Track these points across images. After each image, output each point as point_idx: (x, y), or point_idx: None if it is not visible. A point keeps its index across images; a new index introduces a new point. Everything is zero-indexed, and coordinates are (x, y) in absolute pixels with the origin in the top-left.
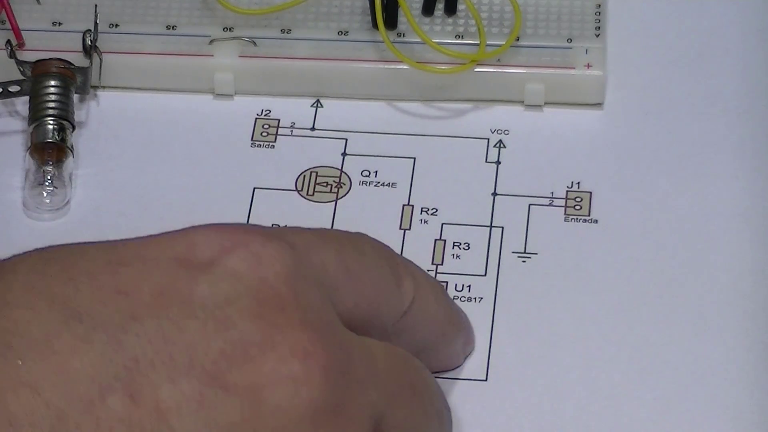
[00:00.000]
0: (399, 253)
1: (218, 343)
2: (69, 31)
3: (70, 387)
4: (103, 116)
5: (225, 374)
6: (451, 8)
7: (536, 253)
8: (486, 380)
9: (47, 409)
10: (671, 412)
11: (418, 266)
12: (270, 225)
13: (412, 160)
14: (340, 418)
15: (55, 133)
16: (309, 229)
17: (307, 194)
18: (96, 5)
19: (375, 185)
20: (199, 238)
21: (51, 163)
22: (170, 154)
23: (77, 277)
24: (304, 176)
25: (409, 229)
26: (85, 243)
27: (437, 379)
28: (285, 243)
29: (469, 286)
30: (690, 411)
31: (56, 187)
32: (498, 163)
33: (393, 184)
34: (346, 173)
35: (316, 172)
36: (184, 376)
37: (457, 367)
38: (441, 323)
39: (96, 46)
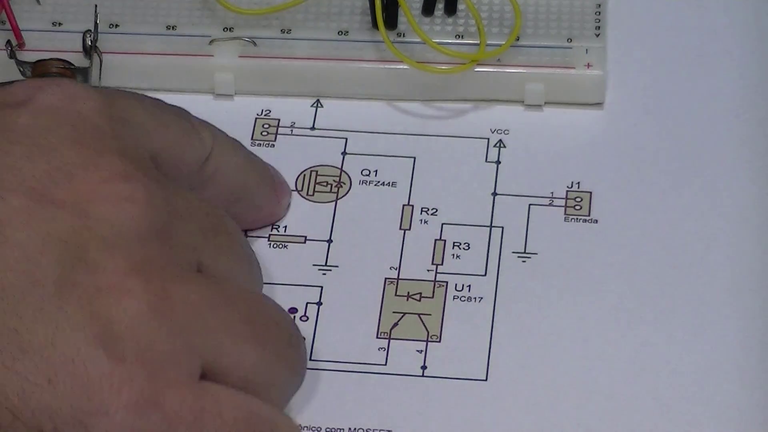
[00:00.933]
0: (399, 253)
1: (42, 165)
2: (69, 32)
3: None
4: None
5: (51, 191)
6: (451, 8)
7: (536, 253)
8: (486, 380)
9: None
10: (671, 412)
11: (214, 125)
12: (269, 226)
13: (412, 159)
14: (167, 240)
15: None
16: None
17: (307, 194)
18: (96, 5)
19: (375, 185)
20: (15, 84)
21: None
22: None
23: None
24: (304, 176)
25: (409, 229)
26: None
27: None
28: (94, 87)
29: (469, 286)
30: (690, 411)
31: None
32: (498, 162)
33: (393, 184)
34: (346, 173)
35: (316, 172)
36: (12, 192)
37: (279, 219)
38: (242, 172)
39: (96, 46)
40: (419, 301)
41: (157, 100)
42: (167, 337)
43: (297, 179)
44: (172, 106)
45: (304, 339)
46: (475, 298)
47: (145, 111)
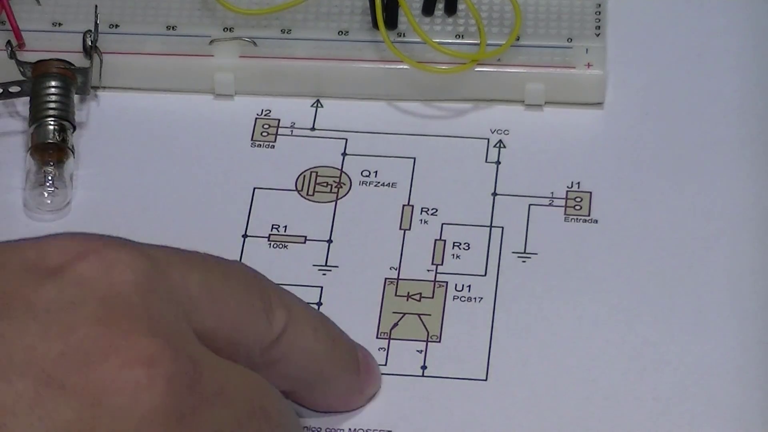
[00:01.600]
0: (399, 253)
1: (58, 346)
2: (69, 32)
3: None
4: (103, 117)
5: (63, 376)
6: (451, 8)
7: (536, 253)
8: (486, 380)
9: None
10: (671, 412)
11: (300, 299)
12: (269, 225)
13: (412, 160)
14: (182, 430)
15: (56, 134)
16: (179, 249)
17: (307, 194)
18: (96, 6)
19: (375, 185)
20: (52, 245)
21: (52, 163)
22: (170, 155)
23: None
24: (304, 176)
25: (409, 229)
26: None
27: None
28: (142, 253)
29: (469, 286)
30: (690, 411)
31: (57, 188)
32: (498, 163)
33: (393, 184)
34: (346, 173)
35: (316, 172)
36: (20, 375)
37: (356, 409)
38: (318, 360)
39: (96, 46)
40: (419, 301)
41: (230, 265)
42: None
43: (297, 179)
44: (247, 274)
45: None
46: (475, 298)
47: (201, 283)
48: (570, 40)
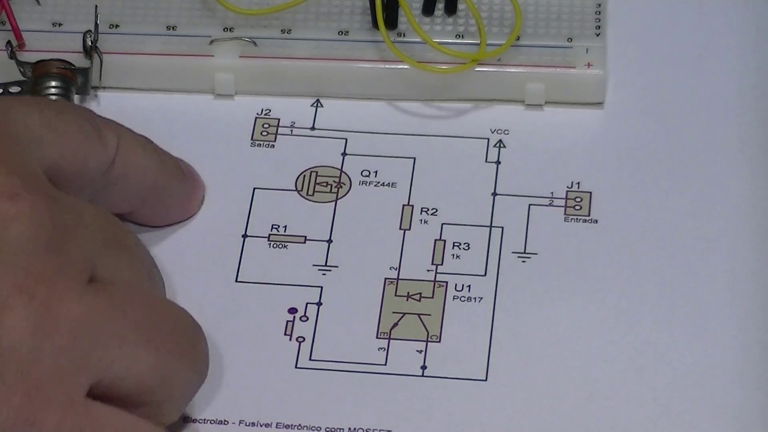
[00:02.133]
0: (399, 253)
1: None
2: (69, 32)
3: None
4: (104, 117)
5: None
6: (451, 8)
7: (536, 253)
8: (486, 380)
9: None
10: (671, 412)
11: (122, 125)
12: (269, 225)
13: (412, 160)
14: (56, 255)
15: None
16: (12, 95)
17: (307, 194)
18: (96, 6)
19: (375, 185)
20: None
21: None
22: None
23: None
24: (304, 176)
25: (409, 229)
26: None
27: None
28: None
29: (469, 286)
30: (690, 411)
31: None
32: (498, 163)
33: (393, 184)
34: (346, 173)
35: (316, 172)
36: None
37: (193, 215)
38: (150, 172)
39: (96, 46)
40: (419, 301)
41: (60, 103)
42: (50, 357)
43: (297, 179)
44: (75, 108)
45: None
46: (475, 298)
47: (42, 121)
48: (570, 40)
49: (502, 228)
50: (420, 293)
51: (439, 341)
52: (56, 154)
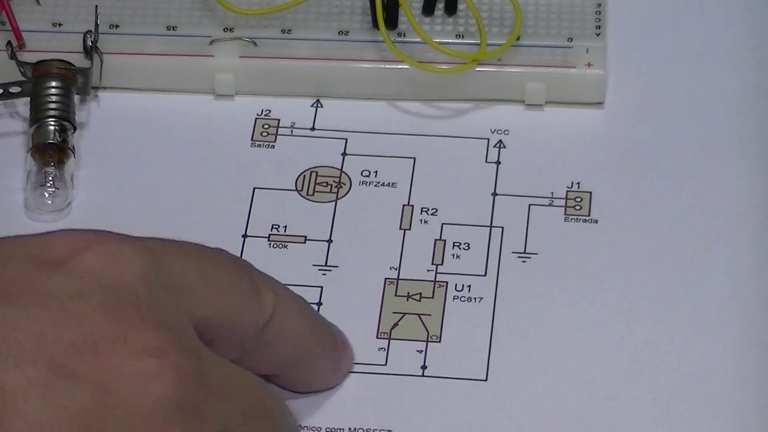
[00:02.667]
0: (399, 253)
1: (68, 334)
2: (69, 32)
3: None
4: (104, 117)
5: (73, 364)
6: (451, 8)
7: (536, 253)
8: (486, 380)
9: None
10: (671, 412)
11: (280, 282)
12: (269, 225)
13: (412, 160)
14: (191, 421)
15: (57, 134)
16: (171, 240)
17: (307, 194)
18: (96, 6)
19: (375, 185)
20: (56, 239)
21: (52, 164)
22: (171, 155)
23: None
24: (304, 176)
25: (409, 229)
26: None
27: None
28: (142, 245)
29: (469, 286)
30: (690, 411)
31: (58, 188)
32: (498, 163)
33: (393, 184)
34: (346, 173)
35: (316, 172)
36: (31, 362)
37: (335, 386)
38: (305, 338)
39: (96, 46)
40: (419, 301)
41: (217, 253)
42: None
43: (297, 179)
44: (234, 259)
45: None
46: (475, 298)
47: (198, 272)
48: (570, 39)
49: (502, 228)
50: (420, 293)
51: (439, 341)
52: (209, 309)
